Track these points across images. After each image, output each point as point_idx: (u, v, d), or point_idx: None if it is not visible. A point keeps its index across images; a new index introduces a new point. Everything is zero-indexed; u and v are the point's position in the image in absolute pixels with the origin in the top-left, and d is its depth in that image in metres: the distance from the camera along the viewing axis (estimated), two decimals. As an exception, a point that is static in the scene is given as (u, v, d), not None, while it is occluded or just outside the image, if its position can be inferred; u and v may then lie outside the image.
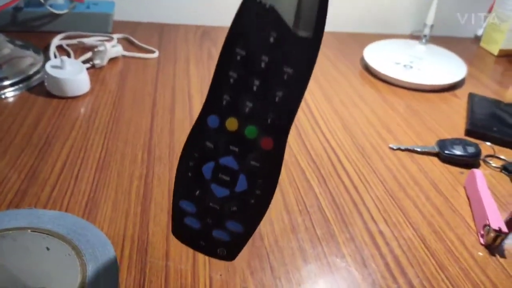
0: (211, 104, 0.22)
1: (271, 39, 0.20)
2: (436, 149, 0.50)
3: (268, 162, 0.22)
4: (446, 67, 0.71)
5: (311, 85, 0.64)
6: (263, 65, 0.20)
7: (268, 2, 0.19)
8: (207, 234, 0.25)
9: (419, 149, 0.50)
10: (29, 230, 0.27)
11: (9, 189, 0.37)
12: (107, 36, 0.67)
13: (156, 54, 0.65)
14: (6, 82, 0.52)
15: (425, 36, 0.75)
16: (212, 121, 0.22)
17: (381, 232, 0.38)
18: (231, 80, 0.21)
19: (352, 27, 0.88)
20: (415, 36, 0.89)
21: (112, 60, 0.62)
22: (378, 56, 0.72)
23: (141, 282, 0.31)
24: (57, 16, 0.66)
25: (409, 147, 0.50)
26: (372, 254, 0.36)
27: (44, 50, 0.61)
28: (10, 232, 0.27)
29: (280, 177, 0.43)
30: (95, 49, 0.59)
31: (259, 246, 0.35)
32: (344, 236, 0.37)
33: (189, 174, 0.23)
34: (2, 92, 0.51)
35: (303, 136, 0.51)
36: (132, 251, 0.33)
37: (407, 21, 0.91)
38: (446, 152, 0.49)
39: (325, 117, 0.56)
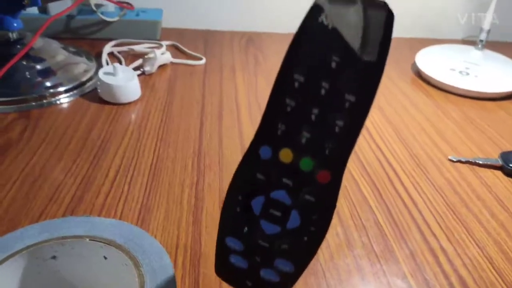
0: (264, 134, 0.20)
1: (333, 64, 0.18)
2: (500, 162, 0.46)
3: (324, 196, 0.20)
4: (505, 74, 0.67)
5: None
6: (323, 92, 0.19)
7: (331, 24, 0.18)
8: (254, 274, 0.23)
9: (481, 162, 0.47)
10: (87, 239, 0.27)
11: (65, 194, 0.38)
12: (156, 43, 0.67)
13: (203, 61, 0.65)
14: (61, 88, 0.53)
15: (481, 41, 0.71)
16: (265, 152, 0.21)
17: (443, 249, 0.36)
18: (288, 108, 0.19)
19: (402, 32, 0.85)
20: (467, 41, 0.85)
21: (161, 66, 0.63)
22: (431, 62, 0.69)
23: (195, 294, 0.30)
24: (108, 23, 0.68)
25: (470, 159, 0.47)
26: (435, 272, 0.34)
27: (96, 57, 0.63)
28: (69, 240, 0.27)
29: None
30: (146, 56, 0.60)
31: (313, 262, 0.34)
32: (403, 252, 0.35)
33: (237, 209, 0.22)
34: (57, 98, 0.52)
35: (355, 146, 0.49)
36: (185, 261, 0.33)
37: (459, 26, 0.87)
38: (511, 165, 0.45)
39: (377, 125, 0.53)
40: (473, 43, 0.73)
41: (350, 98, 0.18)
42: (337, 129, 0.19)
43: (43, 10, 0.66)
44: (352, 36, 0.18)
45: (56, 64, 0.56)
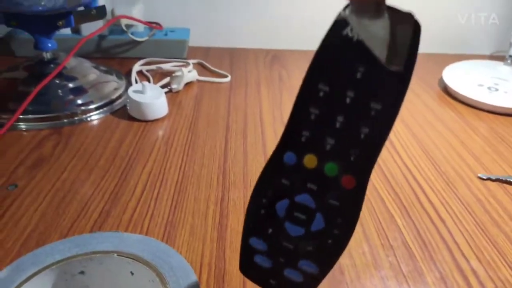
0: (289, 140, 0.21)
1: (359, 74, 0.19)
2: (533, 180, 0.45)
3: (349, 201, 0.21)
4: (537, 89, 0.65)
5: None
6: (348, 101, 0.19)
7: (356, 36, 0.18)
8: (278, 274, 0.23)
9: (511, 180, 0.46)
10: (115, 254, 0.27)
11: (94, 209, 0.39)
12: (183, 62, 0.69)
13: (228, 79, 0.66)
14: (92, 106, 0.55)
15: (510, 56, 0.70)
16: (289, 158, 0.21)
17: (474, 271, 0.35)
18: (312, 117, 0.20)
19: (428, 48, 0.84)
20: (495, 57, 0.83)
21: (188, 84, 0.64)
22: (458, 77, 0.68)
23: (219, 312, 0.30)
24: (138, 43, 0.70)
25: (500, 177, 0.46)
26: (466, 296, 0.32)
27: (125, 75, 0.65)
28: (97, 255, 0.27)
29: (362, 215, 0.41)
30: (173, 74, 0.61)
31: (339, 280, 0.33)
32: (433, 275, 0.34)
33: (262, 211, 0.22)
34: (88, 115, 0.54)
35: (380, 162, 0.48)
36: (209, 278, 0.33)
37: (487, 41, 0.85)
38: (545, 183, 0.44)
39: (403, 141, 0.53)
40: (501, 58, 0.72)
41: (376, 106, 0.19)
42: (362, 136, 0.19)
43: (76, 31, 0.69)
44: (379, 47, 0.18)
45: (87, 83, 0.58)
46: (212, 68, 0.70)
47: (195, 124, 0.54)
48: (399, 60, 0.18)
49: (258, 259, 0.23)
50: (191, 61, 0.69)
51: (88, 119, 0.54)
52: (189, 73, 0.63)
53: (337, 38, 0.19)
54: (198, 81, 0.65)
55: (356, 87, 0.19)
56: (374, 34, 0.18)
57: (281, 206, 0.22)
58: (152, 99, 0.53)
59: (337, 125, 0.20)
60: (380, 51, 0.18)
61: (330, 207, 0.21)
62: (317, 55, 0.19)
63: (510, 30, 0.79)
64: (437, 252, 0.36)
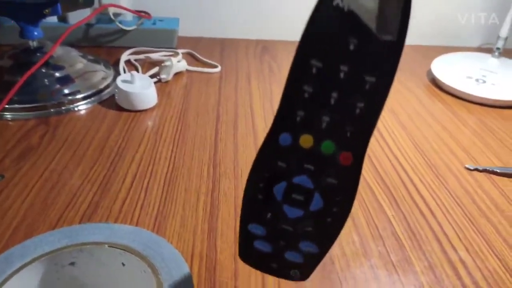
0: (283, 121, 0.20)
1: (352, 46, 0.18)
2: (519, 171, 0.46)
3: (347, 178, 0.20)
4: (523, 82, 0.66)
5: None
6: (342, 75, 0.19)
7: (347, 6, 0.18)
8: (279, 257, 0.23)
9: (499, 171, 0.46)
10: (106, 245, 0.27)
11: (83, 200, 0.38)
12: (172, 51, 0.68)
13: (218, 69, 0.66)
14: (79, 96, 0.54)
15: (498, 49, 0.70)
16: (284, 139, 0.20)
17: (462, 261, 0.35)
18: (306, 95, 0.19)
19: (416, 40, 0.84)
20: (484, 49, 0.84)
21: (177, 74, 0.63)
22: (447, 69, 0.68)
23: (211, 302, 0.30)
24: (126, 32, 0.69)
25: (487, 168, 0.47)
26: (454, 285, 0.33)
27: (113, 65, 0.64)
28: (88, 246, 0.27)
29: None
30: (162, 64, 0.61)
31: (330, 270, 0.33)
32: (422, 264, 0.35)
33: (259, 196, 0.22)
34: (75, 105, 0.53)
35: (370, 153, 0.49)
36: (201, 269, 0.33)
37: (475, 33, 0.86)
38: (531, 175, 0.45)
39: (393, 132, 0.53)
40: (489, 50, 0.72)
41: (370, 79, 0.18)
42: (357, 111, 0.19)
43: (62, 19, 0.68)
44: (370, 17, 0.18)
45: (74, 72, 0.57)
46: (202, 59, 0.69)
47: (184, 115, 0.53)
48: (391, 29, 0.18)
49: (258, 245, 0.23)
50: (180, 51, 0.68)
51: (76, 109, 0.53)
52: (179, 63, 0.62)
53: (327, 9, 0.18)
54: (188, 71, 0.65)
55: (349, 61, 0.18)
56: (365, 3, 0.18)
57: (279, 189, 0.22)
58: (141, 89, 0.52)
59: (332, 101, 0.19)
60: (371, 21, 0.18)
61: (328, 185, 0.21)
62: (307, 30, 0.19)
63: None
64: (426, 243, 0.37)
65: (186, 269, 0.26)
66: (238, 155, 0.46)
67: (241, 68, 0.68)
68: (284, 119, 0.20)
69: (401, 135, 0.53)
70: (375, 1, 0.17)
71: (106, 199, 0.39)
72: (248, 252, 0.24)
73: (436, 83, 0.68)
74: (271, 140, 0.21)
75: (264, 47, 0.78)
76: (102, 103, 0.55)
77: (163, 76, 0.60)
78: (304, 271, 0.24)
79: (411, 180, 0.45)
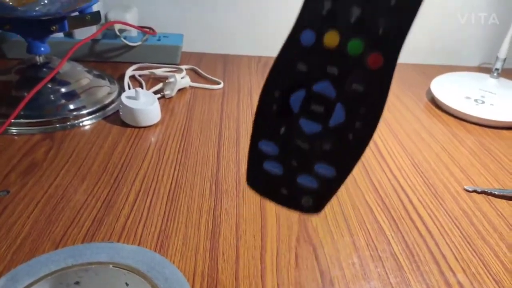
0: (306, 15, 0.18)
1: None
2: (517, 194, 0.46)
3: (375, 84, 0.18)
4: (522, 103, 0.67)
5: (377, 119, 0.62)
6: None
7: None
8: (291, 181, 0.20)
9: (497, 193, 0.47)
10: (111, 265, 0.27)
11: (87, 217, 0.39)
12: (175, 67, 0.69)
13: (221, 85, 0.67)
14: (84, 111, 0.55)
15: (496, 69, 0.71)
16: (307, 37, 0.18)
17: (460, 284, 0.36)
18: None
19: (416, 59, 0.86)
20: (483, 69, 0.85)
21: (180, 90, 0.64)
22: (446, 89, 0.69)
23: (212, 322, 0.31)
24: (131, 47, 0.70)
25: (486, 190, 0.47)
26: (452, 308, 0.33)
27: (118, 80, 0.65)
28: (93, 266, 0.27)
29: (348, 216, 0.42)
30: (166, 81, 0.62)
31: (329, 291, 0.34)
32: (420, 286, 0.35)
33: (274, 106, 0.19)
34: (80, 120, 0.54)
35: (370, 172, 0.49)
36: (202, 288, 0.33)
37: (475, 53, 0.87)
38: (528, 197, 0.45)
39: (392, 153, 0.54)
40: (488, 70, 0.74)
41: None
42: (393, 2, 0.17)
43: (68, 34, 0.69)
44: None
45: (80, 88, 0.58)
46: (205, 75, 0.70)
47: (187, 131, 0.54)
48: None
49: (268, 166, 0.20)
50: (184, 67, 0.69)
51: (81, 124, 0.54)
52: (182, 79, 0.63)
53: None
54: (191, 87, 0.66)
55: None
56: None
57: (296, 98, 0.19)
58: (145, 105, 0.53)
59: None
60: None
61: (353, 93, 0.18)
62: None
63: (498, 42, 0.81)
64: (425, 264, 0.37)
65: (188, 290, 0.26)
66: (240, 173, 0.47)
67: (243, 84, 0.69)
68: (308, 12, 0.18)
69: (400, 154, 0.54)
70: None
71: (109, 216, 0.39)
72: (256, 176, 0.21)
73: (435, 103, 0.69)
74: (292, 40, 0.18)
75: (266, 63, 0.79)
76: (106, 118, 0.56)
77: (167, 92, 0.61)
78: (317, 200, 0.21)
79: (410, 201, 0.45)
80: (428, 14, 0.82)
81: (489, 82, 0.71)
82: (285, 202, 0.21)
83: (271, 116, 0.19)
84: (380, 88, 0.18)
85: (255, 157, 0.21)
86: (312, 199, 0.21)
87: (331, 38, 0.18)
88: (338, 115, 0.19)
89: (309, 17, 0.18)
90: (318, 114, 0.19)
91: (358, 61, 0.18)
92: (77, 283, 0.28)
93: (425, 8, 0.18)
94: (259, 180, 0.21)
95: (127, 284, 0.28)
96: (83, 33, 0.65)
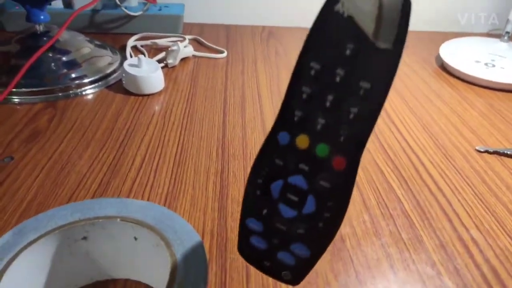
0: (283, 120, 0.21)
1: (348, 51, 0.18)
2: (530, 152, 0.45)
3: (339, 183, 0.20)
4: (533, 66, 0.65)
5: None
6: (338, 79, 0.19)
7: (346, 12, 0.18)
8: (273, 256, 0.23)
9: (509, 152, 0.46)
10: (118, 219, 0.27)
11: (93, 180, 0.38)
12: (178, 37, 0.68)
13: (225, 54, 0.66)
14: (86, 80, 0.54)
15: (507, 33, 0.70)
16: (283, 137, 0.21)
17: (474, 240, 0.35)
18: (304, 96, 0.20)
19: (425, 26, 0.84)
20: (492, 35, 0.83)
21: (183, 60, 0.63)
22: (455, 54, 0.67)
23: (223, 278, 0.30)
24: (131, 18, 0.69)
25: (498, 150, 0.46)
26: (466, 263, 0.33)
27: (120, 50, 0.64)
28: (100, 220, 0.27)
29: (358, 177, 0.41)
30: (169, 49, 0.60)
31: (340, 248, 0.33)
32: (433, 242, 0.34)
33: (258, 192, 0.22)
34: (82, 89, 0.53)
35: (379, 135, 0.48)
36: (212, 246, 0.33)
37: (484, 19, 0.85)
38: (542, 155, 0.44)
39: (401, 116, 0.53)
40: (498, 36, 0.72)
41: (365, 85, 0.19)
42: (351, 116, 0.19)
43: (69, 5, 0.68)
44: (367, 23, 0.18)
45: (81, 57, 0.57)
46: (208, 44, 0.69)
47: (192, 99, 0.53)
48: (388, 37, 0.18)
49: (254, 240, 0.23)
50: (187, 37, 0.67)
51: (83, 93, 0.53)
52: (185, 48, 0.62)
53: (329, 14, 0.18)
54: (194, 56, 0.65)
55: (345, 65, 0.19)
56: (364, 9, 0.18)
57: (276, 187, 0.22)
58: (148, 72, 0.52)
59: (327, 104, 0.19)
60: (369, 27, 0.18)
61: (321, 189, 0.21)
62: (310, 33, 0.19)
63: (507, 8, 0.79)
64: (437, 221, 0.37)
65: (198, 239, 0.26)
66: (246, 137, 0.46)
67: (247, 53, 0.68)
68: (283, 118, 0.21)
69: (410, 118, 0.52)
70: (374, 8, 0.18)
71: (116, 179, 0.39)
72: (245, 247, 0.24)
73: (444, 68, 0.67)
74: (271, 138, 0.21)
75: (270, 32, 0.78)
76: (109, 87, 0.55)
77: (169, 61, 0.60)
78: (295, 275, 0.23)
79: (421, 161, 0.44)
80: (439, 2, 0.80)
81: (499, 46, 0.69)
82: (268, 272, 0.24)
83: (256, 199, 0.22)
84: (344, 186, 0.20)
85: (244, 232, 0.24)
86: (290, 274, 0.23)
87: (302, 141, 0.20)
88: (310, 205, 0.21)
89: (284, 122, 0.21)
90: (294, 202, 0.22)
91: (325, 162, 0.20)
92: (84, 238, 0.27)
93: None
94: (247, 251, 0.24)
95: (135, 238, 0.27)
96: (84, 4, 0.63)
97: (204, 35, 0.72)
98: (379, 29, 0.18)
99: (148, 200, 0.37)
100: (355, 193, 0.39)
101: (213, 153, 0.43)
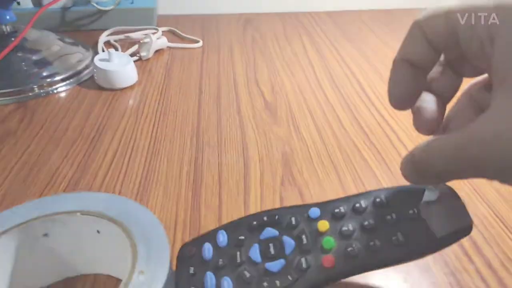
0: None
1: None
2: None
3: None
4: None
5: (363, 65, 0.60)
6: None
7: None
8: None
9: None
10: (78, 213, 0.26)
11: (62, 178, 0.38)
12: (152, 29, 0.67)
13: (200, 44, 0.65)
14: (57, 78, 0.53)
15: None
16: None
17: (452, 211, 0.34)
18: None
19: (405, 3, 0.83)
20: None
21: (158, 52, 0.62)
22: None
23: (195, 267, 0.29)
24: (103, 13, 0.67)
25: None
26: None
27: (93, 47, 0.62)
28: (60, 215, 0.26)
29: (334, 156, 0.40)
30: (141, 41, 0.59)
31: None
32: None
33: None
34: (54, 87, 0.52)
35: (356, 113, 0.48)
36: (184, 235, 0.32)
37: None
38: None
39: (380, 94, 0.52)
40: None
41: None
42: None
43: (38, 3, 0.66)
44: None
45: (52, 55, 0.55)
46: (183, 35, 0.68)
47: (166, 90, 0.52)
48: None
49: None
50: (160, 29, 0.66)
51: (55, 91, 0.52)
52: (158, 40, 0.61)
53: None
54: (169, 48, 0.63)
55: None
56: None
57: None
58: (119, 66, 0.51)
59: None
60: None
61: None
62: None
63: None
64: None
65: (161, 230, 0.25)
66: (221, 124, 0.45)
67: (223, 41, 0.67)
68: None
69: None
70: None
71: (86, 176, 0.38)
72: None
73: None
74: None
75: (247, 19, 0.76)
76: (81, 84, 0.54)
77: (143, 53, 0.59)
78: None
79: (399, 138, 0.44)
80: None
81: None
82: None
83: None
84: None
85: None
86: None
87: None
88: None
89: None
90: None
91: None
92: (45, 235, 0.26)
93: None
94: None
95: (98, 232, 0.26)
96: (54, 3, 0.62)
97: (180, 26, 0.71)
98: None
99: (120, 193, 0.36)
100: (331, 172, 0.38)
101: (187, 143, 0.42)
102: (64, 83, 0.53)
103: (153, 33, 0.62)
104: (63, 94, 0.52)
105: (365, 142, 0.43)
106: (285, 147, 0.42)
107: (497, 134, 0.17)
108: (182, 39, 0.67)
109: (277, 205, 0.35)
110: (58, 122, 0.46)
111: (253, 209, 0.34)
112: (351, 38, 0.69)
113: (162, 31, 0.66)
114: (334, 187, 0.37)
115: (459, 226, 0.23)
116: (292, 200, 0.35)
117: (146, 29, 0.67)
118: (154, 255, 0.23)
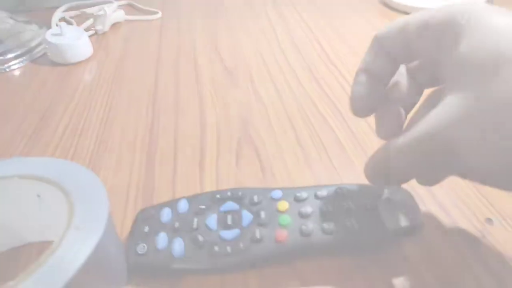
0: None
1: None
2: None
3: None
4: None
5: (324, 27, 0.59)
6: None
7: None
8: None
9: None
10: (16, 177, 0.25)
11: (12, 153, 0.36)
12: (108, 3, 0.65)
13: (159, 15, 0.63)
14: (10, 55, 0.51)
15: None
16: None
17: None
18: None
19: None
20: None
21: (115, 25, 0.60)
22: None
23: (147, 228, 0.29)
24: (57, -11, 0.65)
25: (435, 72, 0.45)
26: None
27: (47, 24, 0.60)
28: (-1, 181, 0.25)
29: (292, 116, 0.39)
30: (95, 14, 0.57)
31: (270, 181, 0.32)
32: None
33: None
34: (6, 65, 0.50)
35: (316, 74, 0.47)
36: (137, 198, 0.31)
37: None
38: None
39: (342, 54, 0.51)
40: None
41: None
42: None
43: (-14, -17, 0.63)
44: None
45: (3, 33, 0.53)
46: (142, 7, 0.66)
47: (122, 63, 0.51)
48: None
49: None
50: (118, 2, 0.64)
51: (7, 69, 0.50)
52: (114, 13, 0.59)
53: None
54: (127, 21, 0.62)
55: None
56: None
57: None
58: (71, 40, 0.49)
59: None
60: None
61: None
62: None
63: None
64: (370, 148, 0.36)
65: (101, 189, 0.24)
66: (179, 91, 0.44)
67: (184, 12, 0.65)
68: None
69: (350, 60, 0.51)
70: None
71: (36, 150, 0.37)
72: None
73: (386, 4, 0.66)
74: None
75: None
76: (34, 61, 0.52)
77: (98, 27, 0.57)
78: None
79: (358, 93, 0.43)
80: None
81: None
82: None
83: None
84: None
85: None
86: None
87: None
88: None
89: None
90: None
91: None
92: (-17, 202, 0.25)
93: None
94: None
95: (38, 196, 0.26)
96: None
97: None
98: None
99: (71, 164, 0.35)
100: (288, 130, 0.38)
101: (143, 111, 0.42)
102: (17, 60, 0.51)
103: (109, 7, 0.60)
104: (16, 72, 0.50)
105: (323, 99, 0.42)
106: (243, 109, 0.41)
107: (439, 125, 0.19)
108: (141, 12, 0.65)
109: (233, 164, 0.34)
110: (9, 99, 0.44)
111: (208, 170, 0.34)
112: (314, 1, 0.68)
113: (120, 5, 0.64)
114: (291, 143, 0.36)
115: (410, 223, 0.25)
116: (249, 158, 0.35)
117: (102, 3, 0.65)
118: (92, 212, 0.23)
